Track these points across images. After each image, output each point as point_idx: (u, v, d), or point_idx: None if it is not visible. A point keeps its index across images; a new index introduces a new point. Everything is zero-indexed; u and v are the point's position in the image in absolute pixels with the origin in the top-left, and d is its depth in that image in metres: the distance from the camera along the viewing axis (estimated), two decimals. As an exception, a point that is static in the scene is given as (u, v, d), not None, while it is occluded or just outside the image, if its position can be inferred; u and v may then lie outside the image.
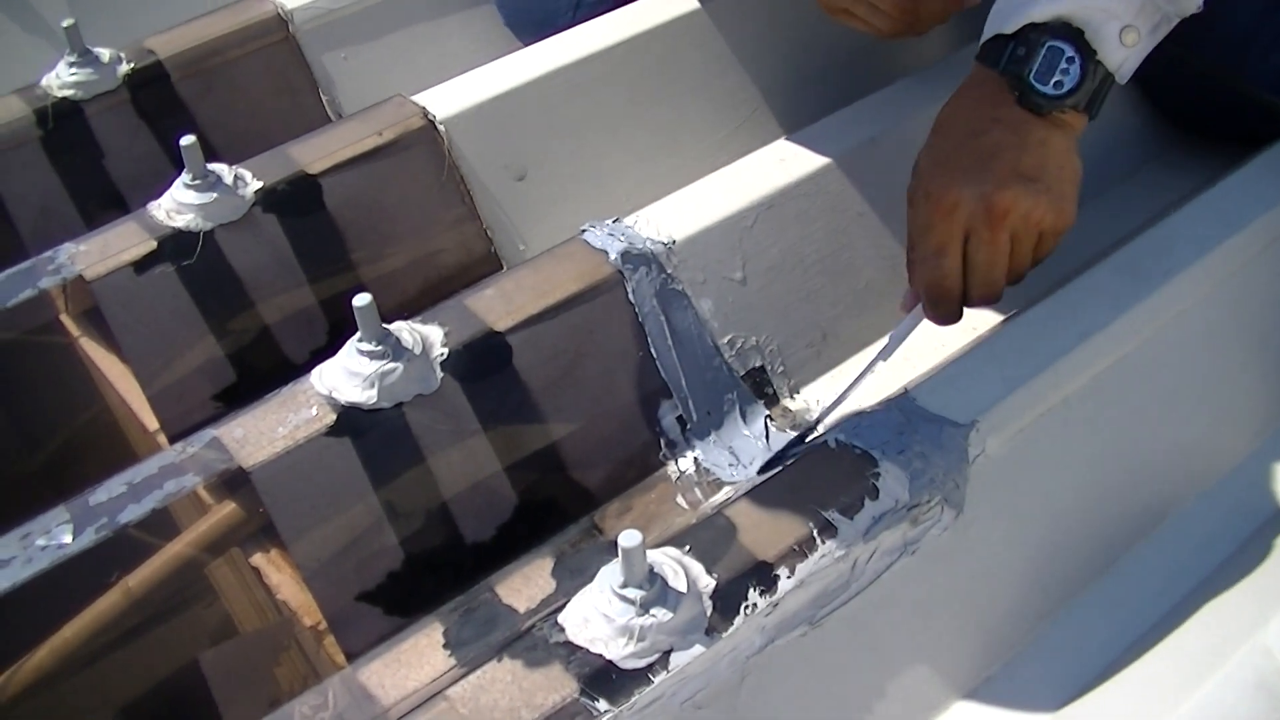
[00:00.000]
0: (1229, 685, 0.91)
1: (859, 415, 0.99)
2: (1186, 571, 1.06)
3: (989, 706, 0.99)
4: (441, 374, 1.09)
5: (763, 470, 1.11)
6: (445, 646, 1.02)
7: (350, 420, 1.07)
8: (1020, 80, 1.03)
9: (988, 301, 1.07)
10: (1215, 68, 1.34)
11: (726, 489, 1.13)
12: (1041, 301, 1.07)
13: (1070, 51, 1.01)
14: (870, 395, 1.05)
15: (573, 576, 1.07)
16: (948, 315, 1.08)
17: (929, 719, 0.98)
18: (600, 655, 0.82)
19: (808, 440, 1.07)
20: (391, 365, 1.07)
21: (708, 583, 0.85)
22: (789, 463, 1.00)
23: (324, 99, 1.67)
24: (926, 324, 1.09)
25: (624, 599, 0.82)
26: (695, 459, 1.16)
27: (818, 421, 1.08)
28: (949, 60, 1.42)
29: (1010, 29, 1.04)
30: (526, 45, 1.51)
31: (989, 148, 1.03)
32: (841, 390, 1.09)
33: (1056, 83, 1.02)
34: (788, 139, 1.31)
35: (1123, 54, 1.02)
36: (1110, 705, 0.95)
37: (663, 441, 1.16)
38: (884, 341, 1.10)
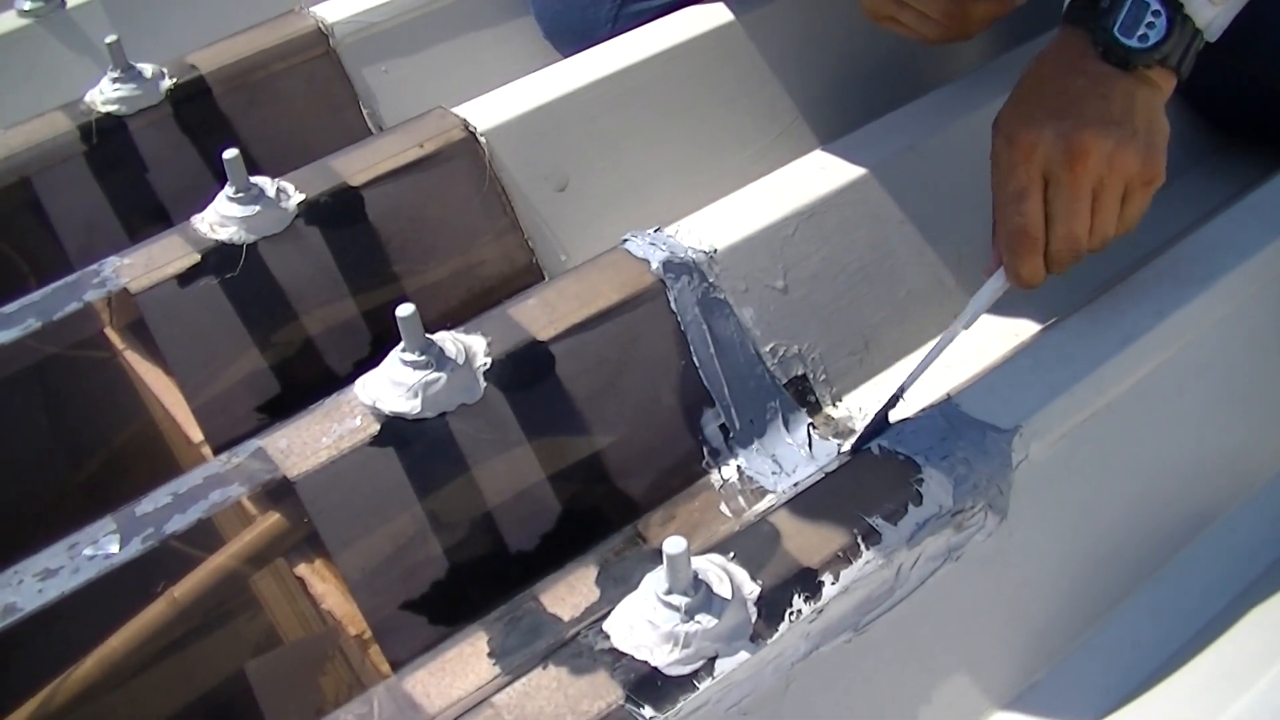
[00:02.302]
0: (1275, 692, 0.91)
1: (902, 421, 0.99)
2: (1231, 578, 1.06)
3: (1033, 713, 0.99)
4: (485, 383, 1.10)
5: (855, 447, 1.05)
6: (490, 655, 1.02)
7: (394, 430, 1.07)
8: (1105, 33, 1.00)
9: (1068, 261, 1.04)
10: (1261, 71, 1.33)
11: (769, 497, 1.13)
12: (1084, 307, 1.07)
13: (1156, 5, 0.99)
14: (913, 402, 1.05)
15: (616, 585, 1.07)
16: (1029, 273, 1.04)
17: (973, 725, 0.99)
18: (645, 662, 0.82)
19: (892, 410, 1.04)
20: (435, 375, 1.07)
21: (752, 589, 0.85)
22: (878, 437, 0.98)
23: (365, 112, 1.68)
24: (966, 334, 1.08)
25: (669, 606, 0.82)
26: (738, 467, 1.16)
27: (901, 392, 1.06)
28: (990, 66, 1.42)
29: None
30: (566, 57, 1.51)
31: (1072, 94, 1.01)
32: (924, 359, 1.07)
33: (1142, 35, 1.00)
34: (828, 147, 1.31)
35: (1212, 12, 1.00)
36: (1154, 712, 0.95)
37: (705, 450, 1.16)
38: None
